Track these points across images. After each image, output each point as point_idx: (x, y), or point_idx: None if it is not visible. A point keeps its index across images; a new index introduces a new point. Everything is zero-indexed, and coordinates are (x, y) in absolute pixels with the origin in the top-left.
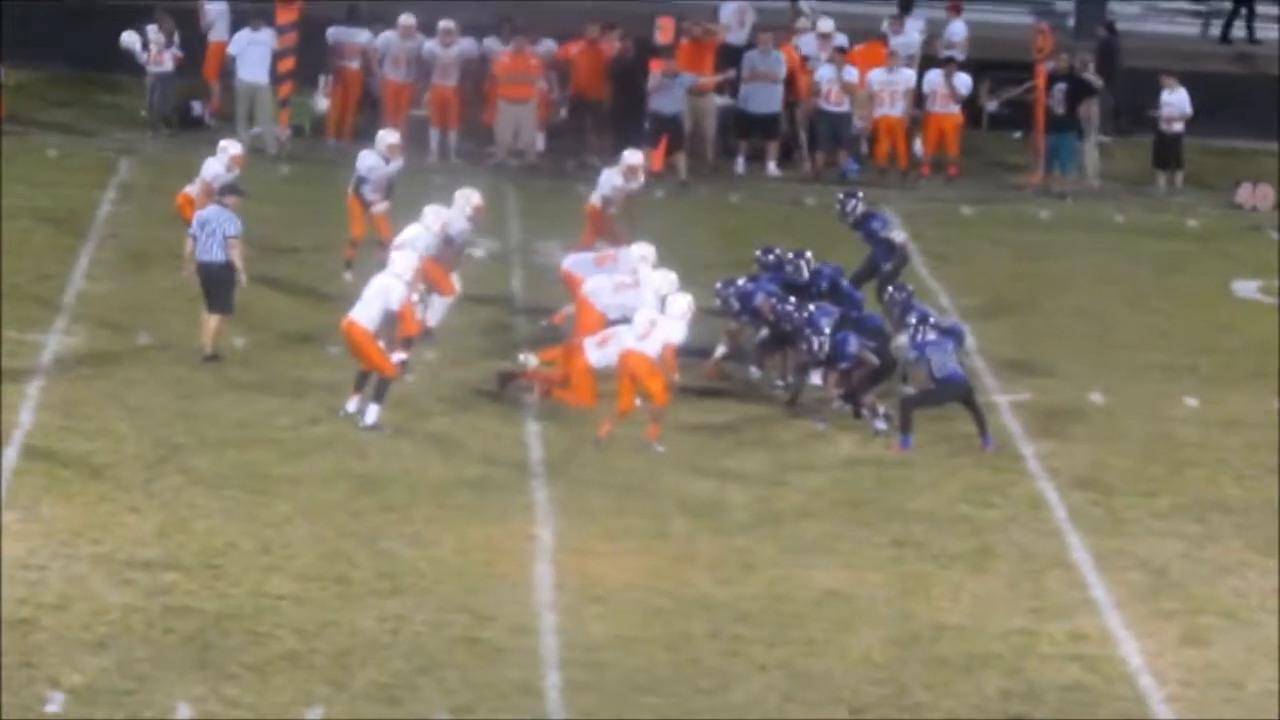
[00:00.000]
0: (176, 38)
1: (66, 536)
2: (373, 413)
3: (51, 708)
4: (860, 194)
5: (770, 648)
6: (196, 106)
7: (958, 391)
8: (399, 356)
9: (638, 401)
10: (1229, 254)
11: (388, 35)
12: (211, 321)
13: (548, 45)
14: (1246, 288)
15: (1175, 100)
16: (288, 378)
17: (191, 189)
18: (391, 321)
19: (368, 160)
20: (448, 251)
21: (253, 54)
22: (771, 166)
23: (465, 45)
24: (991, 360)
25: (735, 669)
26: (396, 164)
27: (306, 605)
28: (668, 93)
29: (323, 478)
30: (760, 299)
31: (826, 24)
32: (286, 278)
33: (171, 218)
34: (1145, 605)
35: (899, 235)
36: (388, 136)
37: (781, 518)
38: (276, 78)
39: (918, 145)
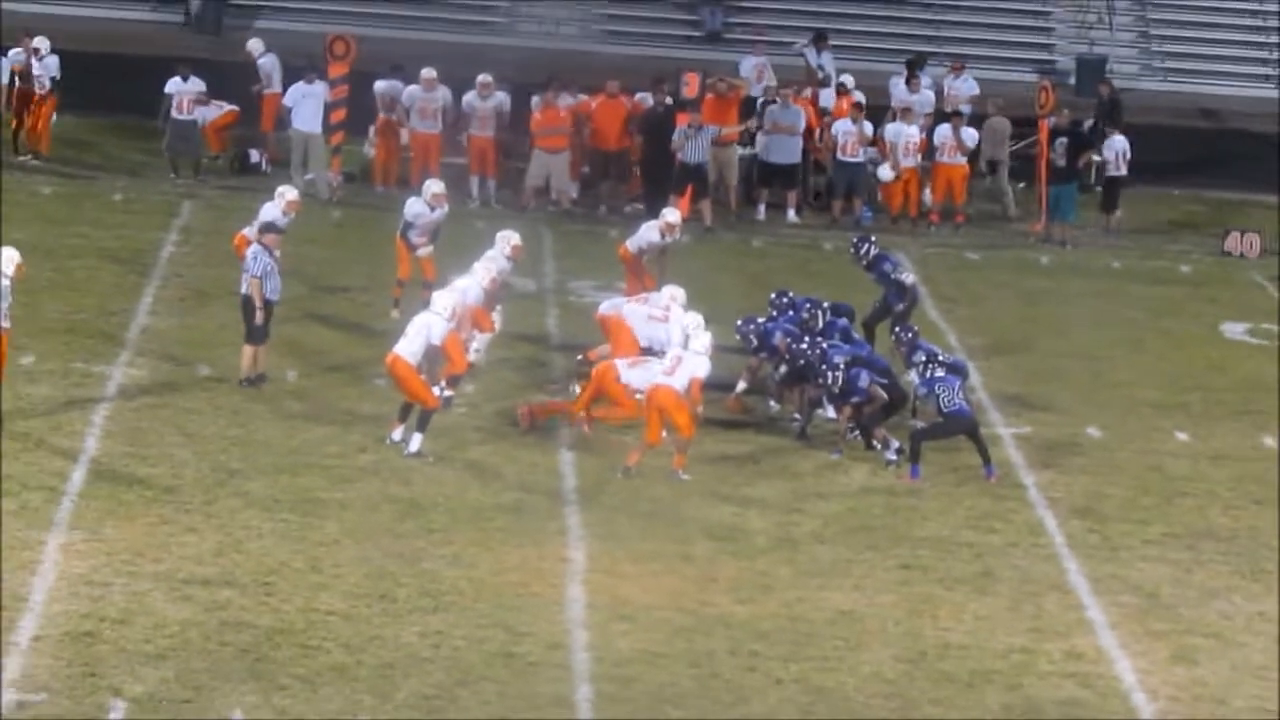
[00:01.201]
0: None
1: (129, 555)
2: (416, 441)
3: (113, 715)
4: (873, 238)
5: (786, 664)
6: (254, 154)
7: (964, 425)
8: (447, 394)
9: (664, 434)
10: (1218, 298)
11: (412, 89)
12: (246, 350)
13: (567, 100)
14: (1235, 330)
15: (1117, 146)
16: (337, 408)
17: (249, 231)
18: (433, 356)
19: (414, 207)
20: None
21: (307, 105)
22: (791, 214)
23: (501, 97)
24: (995, 396)
25: (754, 684)
26: (441, 211)
27: (353, 621)
28: (693, 144)
29: (369, 502)
30: (778, 337)
31: (847, 80)
32: (337, 315)
33: (229, 257)
34: (1138, 626)
35: (909, 277)
36: (433, 186)
37: (798, 542)
38: (329, 128)
39: (927, 194)
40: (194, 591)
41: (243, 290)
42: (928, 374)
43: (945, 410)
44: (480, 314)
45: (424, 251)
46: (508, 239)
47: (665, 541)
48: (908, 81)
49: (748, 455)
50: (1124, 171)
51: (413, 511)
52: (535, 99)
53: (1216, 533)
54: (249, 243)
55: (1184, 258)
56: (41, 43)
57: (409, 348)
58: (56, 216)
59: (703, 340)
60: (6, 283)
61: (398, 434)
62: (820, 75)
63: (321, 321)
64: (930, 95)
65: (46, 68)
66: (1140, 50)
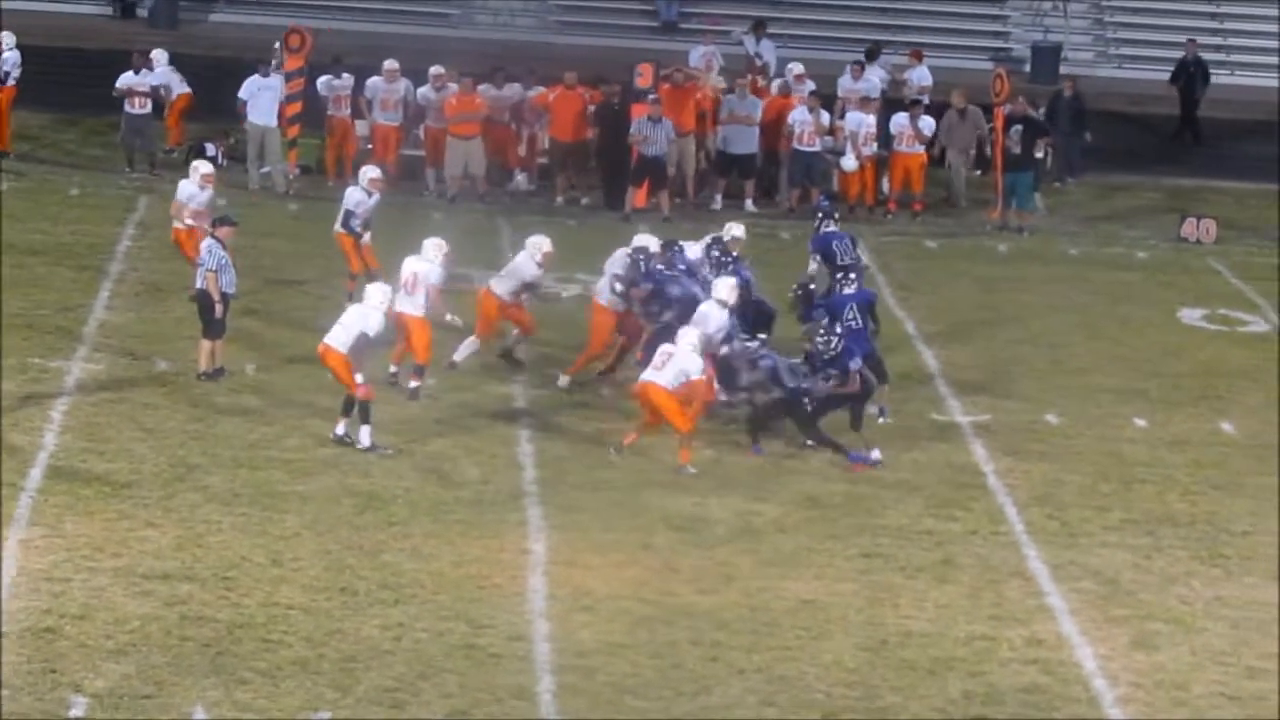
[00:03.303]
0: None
1: (88, 551)
2: (365, 435)
3: (75, 712)
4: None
5: (748, 654)
6: (210, 147)
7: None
8: (413, 384)
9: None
10: (1175, 284)
11: (374, 81)
12: (204, 345)
13: (514, 89)
14: (1192, 315)
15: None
16: (296, 402)
17: (180, 225)
18: (360, 349)
19: (354, 196)
20: (529, 295)
21: (263, 98)
22: (749, 203)
23: (456, 89)
24: (953, 384)
25: (716, 673)
26: (378, 198)
27: (314, 614)
28: (653, 136)
29: (329, 495)
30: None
31: (797, 68)
32: (295, 308)
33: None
34: (1098, 612)
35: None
36: (370, 171)
37: (759, 532)
38: (284, 120)
39: (885, 183)
40: (154, 586)
41: (198, 285)
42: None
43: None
44: (520, 317)
45: (364, 240)
46: (539, 245)
47: (626, 532)
48: (851, 70)
49: (707, 444)
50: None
51: (373, 504)
52: (453, 85)
53: (1176, 518)
54: (190, 235)
55: (1141, 244)
56: (7, 38)
57: (341, 338)
58: (14, 212)
59: (691, 336)
60: None
61: (341, 428)
62: (759, 63)
63: (279, 315)
64: (876, 81)
65: (7, 62)
66: (1095, 38)
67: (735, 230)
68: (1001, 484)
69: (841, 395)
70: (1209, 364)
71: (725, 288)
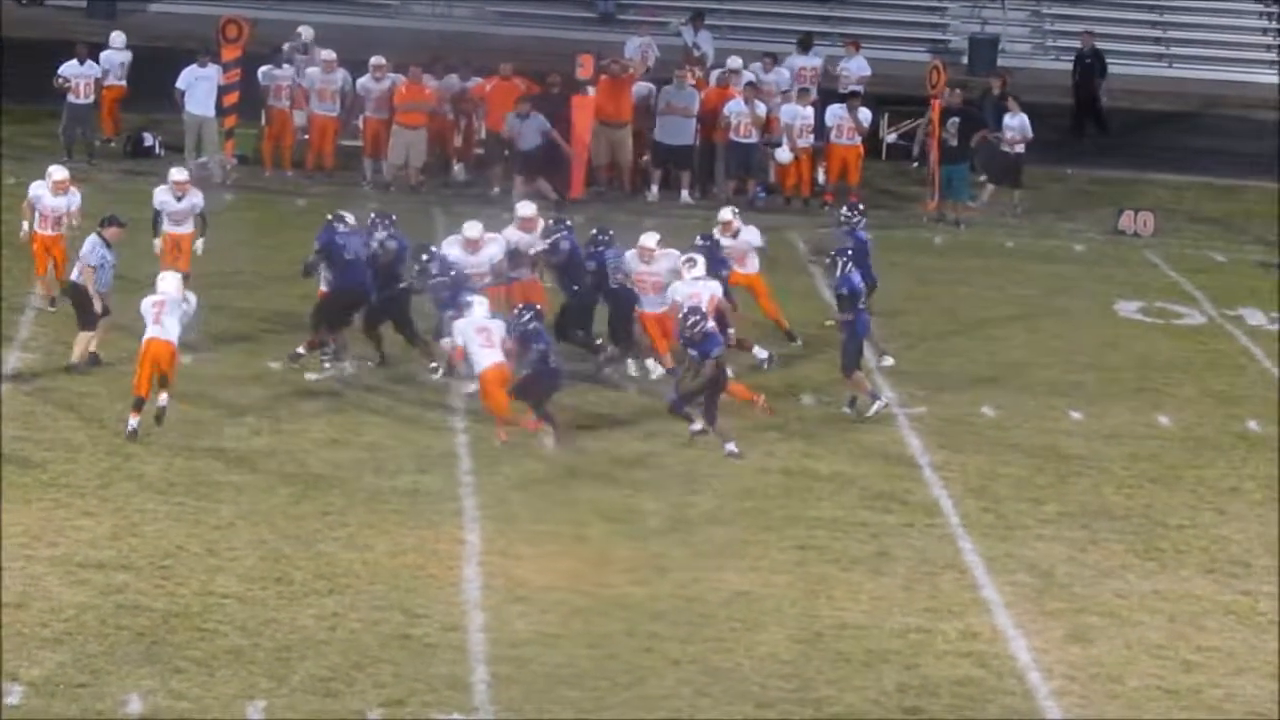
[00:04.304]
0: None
1: (24, 539)
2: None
3: (10, 699)
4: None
5: (683, 645)
6: (148, 137)
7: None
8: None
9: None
10: (1112, 277)
11: (312, 71)
12: (82, 337)
13: (451, 80)
14: (1128, 308)
15: (1016, 124)
16: (231, 391)
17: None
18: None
19: (159, 196)
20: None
21: (200, 89)
22: (684, 194)
23: (395, 79)
24: (890, 375)
25: (650, 664)
26: (192, 198)
27: (249, 604)
28: (525, 130)
29: (265, 484)
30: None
31: (735, 61)
32: (231, 299)
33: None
34: (1033, 605)
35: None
36: (176, 174)
37: (693, 523)
38: (222, 111)
39: (820, 174)
40: (90, 575)
41: (73, 277)
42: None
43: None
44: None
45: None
46: (519, 210)
47: (560, 523)
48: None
49: (641, 437)
50: (1022, 150)
51: (308, 494)
52: (396, 75)
53: (1111, 511)
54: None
55: (1077, 236)
56: None
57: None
58: None
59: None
60: None
61: (133, 423)
62: (696, 54)
63: (215, 305)
64: (785, 74)
65: None
66: (1032, 29)
67: (525, 210)
68: (937, 476)
69: (705, 384)
70: (1145, 356)
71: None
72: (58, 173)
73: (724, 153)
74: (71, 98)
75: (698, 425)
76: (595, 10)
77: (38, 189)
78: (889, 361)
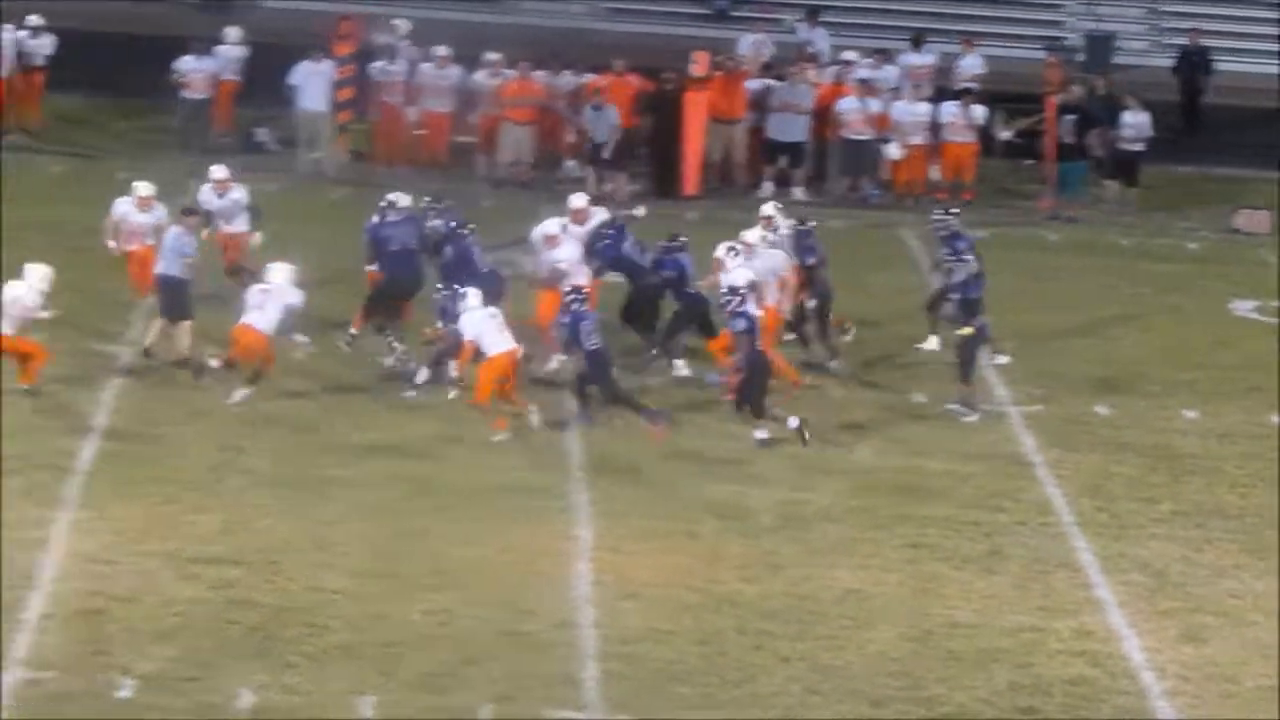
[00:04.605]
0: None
1: (136, 534)
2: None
3: (122, 694)
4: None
5: (793, 643)
6: (260, 133)
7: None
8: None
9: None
10: (1227, 276)
11: (426, 67)
12: (181, 330)
13: (565, 76)
14: (1243, 307)
15: (1136, 122)
16: (344, 386)
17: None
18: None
19: (203, 196)
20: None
21: (314, 84)
22: (797, 191)
23: (510, 76)
24: (1003, 374)
25: (761, 662)
26: (235, 194)
27: (360, 599)
28: (598, 121)
29: (376, 480)
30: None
31: (848, 57)
32: (341, 294)
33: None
34: (1146, 605)
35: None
36: (216, 172)
37: (805, 521)
38: (335, 106)
39: (935, 172)
40: (201, 570)
41: (175, 273)
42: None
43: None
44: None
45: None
46: (570, 202)
47: (672, 520)
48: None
49: (751, 432)
50: (1140, 148)
51: (420, 490)
52: (509, 71)
53: (1225, 510)
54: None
55: (1192, 235)
56: (36, 20)
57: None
58: (69, 195)
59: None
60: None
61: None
62: (810, 50)
63: (328, 300)
64: (895, 71)
65: (40, 46)
66: (1149, 26)
67: (575, 201)
68: (1050, 475)
69: (750, 373)
70: (1259, 356)
71: None
72: (142, 189)
73: (837, 150)
74: (186, 93)
75: (794, 421)
76: (710, 6)
77: (122, 206)
78: (1003, 360)
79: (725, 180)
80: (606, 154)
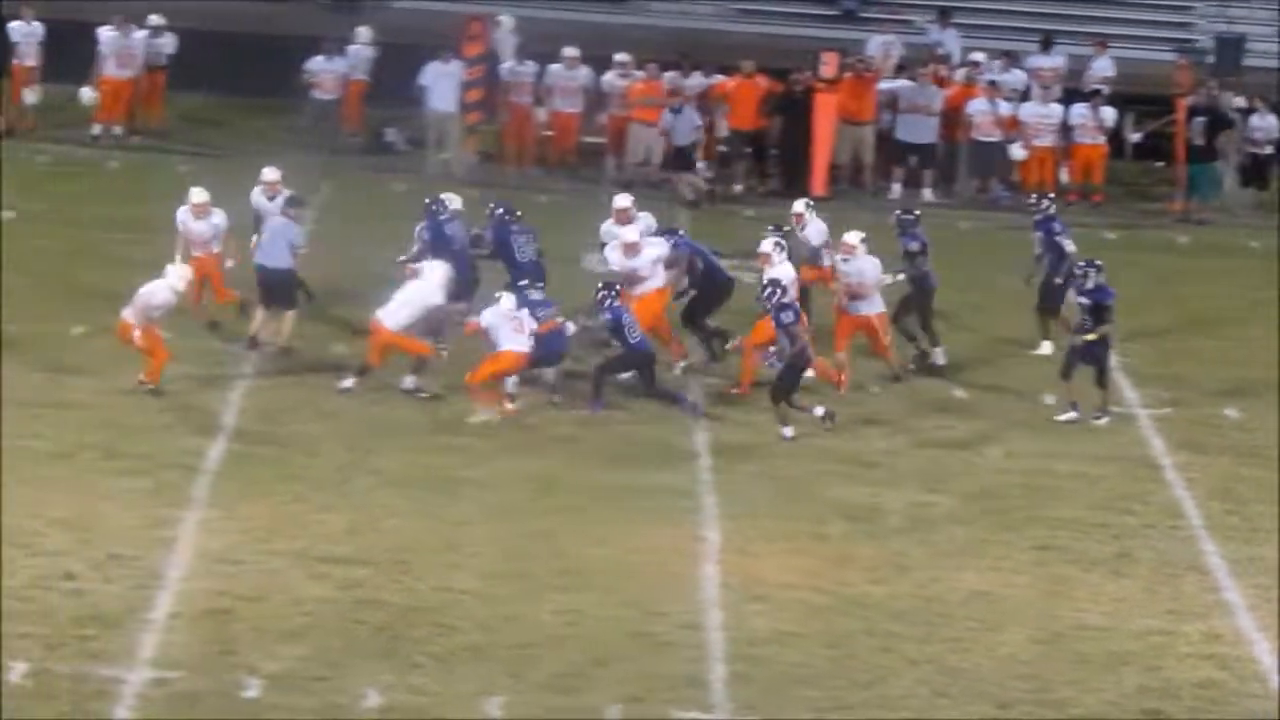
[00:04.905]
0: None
1: (264, 533)
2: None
3: (249, 693)
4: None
5: (921, 645)
6: (389, 133)
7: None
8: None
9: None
10: None
11: (555, 68)
12: (286, 320)
13: (698, 79)
14: None
15: (1265, 124)
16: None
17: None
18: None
19: (254, 195)
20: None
21: (442, 85)
22: (927, 193)
23: (639, 77)
24: (1132, 376)
25: (889, 664)
26: (280, 198)
27: (488, 600)
28: (679, 124)
29: (504, 480)
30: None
31: (978, 58)
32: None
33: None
34: (1276, 608)
35: (1071, 245)
36: (268, 173)
37: (933, 523)
38: (464, 107)
39: (1064, 174)
40: (329, 570)
41: (280, 264)
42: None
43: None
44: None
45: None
46: (615, 202)
47: (800, 521)
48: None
49: (882, 434)
50: (1272, 150)
51: (548, 490)
52: (638, 72)
53: None
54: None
55: None
56: (157, 20)
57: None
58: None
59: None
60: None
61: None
62: (940, 51)
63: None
64: (1021, 75)
65: (162, 45)
66: None
67: (620, 201)
68: (1180, 477)
69: (789, 361)
70: None
71: None
72: (197, 195)
73: (966, 151)
74: (317, 93)
75: (820, 410)
76: (838, 7)
77: (183, 215)
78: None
79: (854, 182)
80: (693, 155)
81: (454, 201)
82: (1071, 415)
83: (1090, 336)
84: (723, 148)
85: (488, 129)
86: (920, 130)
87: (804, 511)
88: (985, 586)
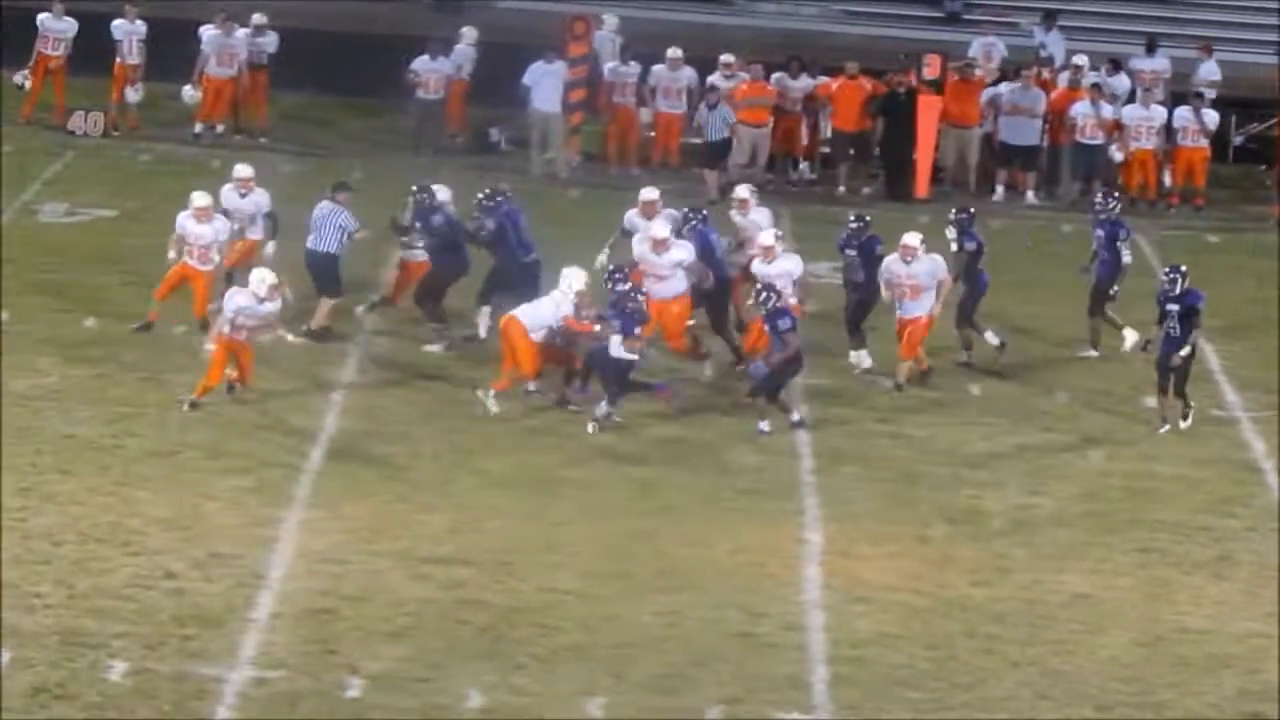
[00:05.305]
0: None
1: (366, 533)
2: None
3: (351, 693)
4: (1117, 196)
5: (1023, 647)
6: (493, 133)
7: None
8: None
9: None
10: None
11: (658, 68)
12: (324, 305)
13: (806, 81)
14: None
15: None
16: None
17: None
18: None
19: (224, 192)
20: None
21: (546, 84)
22: (1030, 195)
23: (743, 78)
24: (1233, 379)
25: (990, 666)
26: (256, 196)
27: (590, 600)
28: (712, 121)
29: (605, 481)
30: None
31: (1080, 60)
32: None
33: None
34: None
35: (1129, 256)
36: (240, 170)
37: (1035, 525)
38: (567, 107)
39: (1167, 177)
40: (431, 570)
41: (328, 248)
42: None
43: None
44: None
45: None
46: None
47: (902, 524)
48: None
49: (984, 438)
50: None
51: (648, 491)
52: (743, 74)
53: None
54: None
55: None
56: (259, 19)
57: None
58: (296, 194)
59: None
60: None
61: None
62: (1044, 54)
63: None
64: (1125, 80)
65: (264, 44)
66: None
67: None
68: None
69: (786, 364)
70: None
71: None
72: (199, 199)
73: (1069, 154)
74: (421, 93)
75: (796, 415)
76: (942, 9)
77: (184, 219)
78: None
79: (957, 184)
80: (725, 153)
81: (443, 192)
82: (1166, 428)
83: (1185, 352)
84: (826, 149)
85: (591, 129)
86: (1024, 133)
87: (906, 514)
88: (1087, 589)
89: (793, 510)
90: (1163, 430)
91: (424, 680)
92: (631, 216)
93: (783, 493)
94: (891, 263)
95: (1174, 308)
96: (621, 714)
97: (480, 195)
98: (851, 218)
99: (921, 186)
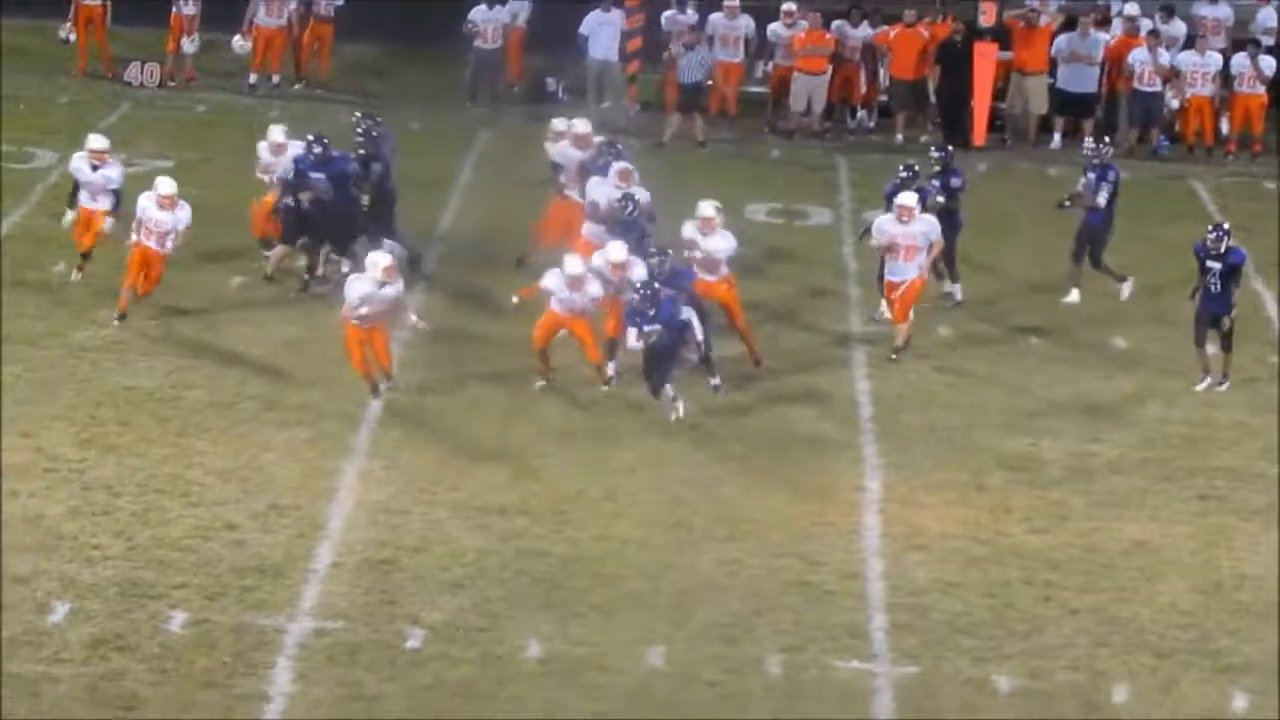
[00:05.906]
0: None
1: (425, 483)
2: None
3: (411, 643)
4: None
5: (1081, 594)
6: (550, 83)
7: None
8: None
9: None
10: None
11: (715, 17)
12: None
13: (865, 30)
14: None
15: None
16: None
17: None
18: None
19: (74, 163)
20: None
21: (603, 33)
22: (1088, 142)
23: (804, 26)
24: None
25: (1048, 614)
26: (109, 170)
27: (649, 549)
28: (688, 62)
29: (664, 430)
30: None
31: (1132, 8)
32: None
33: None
34: None
35: (1104, 198)
36: (94, 141)
37: (1093, 473)
38: (625, 57)
39: (1224, 124)
40: (490, 520)
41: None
42: None
43: None
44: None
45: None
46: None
47: (960, 471)
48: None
49: (1042, 385)
50: None
51: (707, 440)
52: (803, 22)
53: None
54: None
55: None
56: None
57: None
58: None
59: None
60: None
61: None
62: (1100, 1)
63: None
64: (1181, 25)
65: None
66: None
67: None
68: None
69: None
70: None
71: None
72: (164, 186)
73: (1127, 101)
74: (479, 43)
75: (716, 381)
76: None
77: (145, 201)
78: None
79: (1015, 132)
80: (700, 97)
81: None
82: (1206, 383)
83: (1230, 318)
84: (883, 97)
85: (648, 78)
86: (1081, 80)
87: (964, 461)
88: (1145, 536)
89: (852, 459)
90: (1201, 386)
91: (483, 630)
92: (690, 232)
93: (842, 441)
94: (886, 223)
95: (1215, 265)
96: (681, 662)
97: (358, 129)
98: (901, 168)
99: (978, 134)
